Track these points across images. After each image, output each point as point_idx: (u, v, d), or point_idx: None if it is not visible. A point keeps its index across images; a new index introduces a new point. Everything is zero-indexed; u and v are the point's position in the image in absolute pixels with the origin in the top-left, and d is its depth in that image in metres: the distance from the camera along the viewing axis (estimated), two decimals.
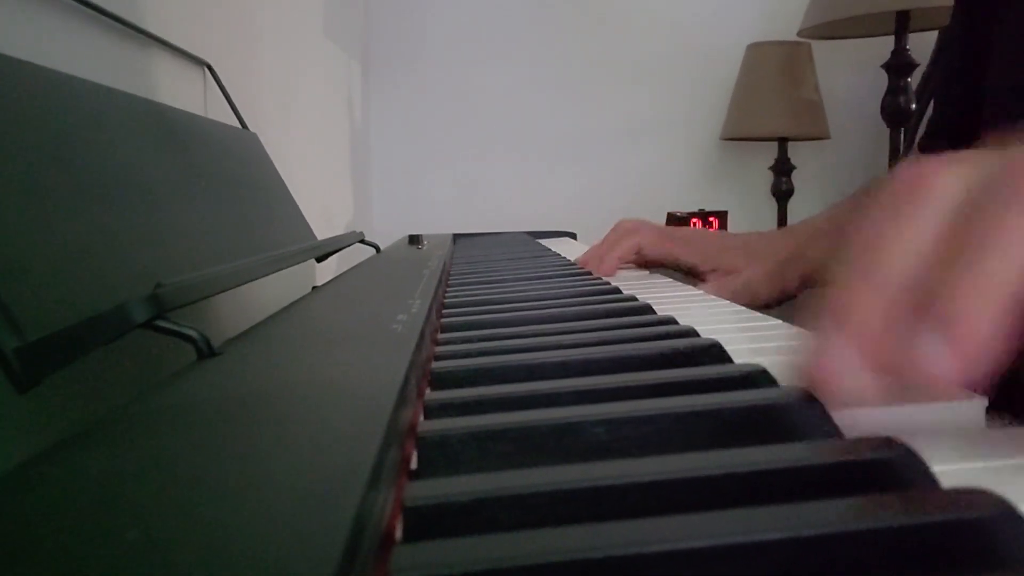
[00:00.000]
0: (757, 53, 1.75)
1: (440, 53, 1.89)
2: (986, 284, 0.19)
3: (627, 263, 0.68)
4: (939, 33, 1.58)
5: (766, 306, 0.61)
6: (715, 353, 0.28)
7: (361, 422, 0.19)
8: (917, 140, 0.72)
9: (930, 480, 0.16)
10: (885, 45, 1.63)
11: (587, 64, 1.91)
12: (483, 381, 0.27)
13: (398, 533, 0.16)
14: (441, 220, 1.82)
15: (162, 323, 0.30)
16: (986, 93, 0.56)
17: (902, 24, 1.58)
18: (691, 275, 0.66)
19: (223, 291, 0.38)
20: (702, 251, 0.65)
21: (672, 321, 0.35)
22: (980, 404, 0.22)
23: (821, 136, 1.77)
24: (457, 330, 0.37)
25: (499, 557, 0.13)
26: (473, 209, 1.90)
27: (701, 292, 0.53)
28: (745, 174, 1.92)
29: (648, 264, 0.70)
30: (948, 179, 0.22)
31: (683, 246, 0.67)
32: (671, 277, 0.64)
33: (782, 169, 1.79)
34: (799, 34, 1.71)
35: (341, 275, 0.57)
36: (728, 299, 0.48)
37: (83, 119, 0.36)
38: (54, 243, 0.28)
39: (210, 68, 0.67)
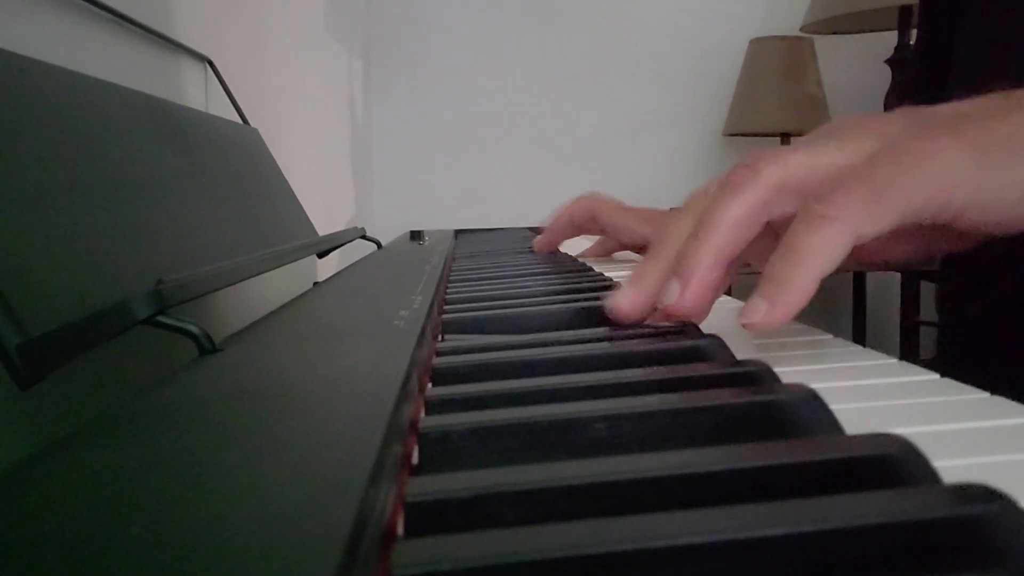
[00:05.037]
0: (759, 48, 1.75)
1: (442, 50, 1.89)
2: (702, 246, 0.31)
3: (585, 232, 0.66)
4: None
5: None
6: (717, 349, 0.28)
7: (363, 418, 0.19)
8: None
9: (931, 475, 0.16)
10: (888, 40, 1.63)
11: (589, 60, 1.90)
12: (484, 377, 0.27)
13: (399, 529, 0.16)
14: (442, 216, 1.82)
15: (164, 319, 0.30)
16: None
17: (905, 19, 1.58)
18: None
19: (225, 287, 0.38)
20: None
21: None
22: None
23: None
24: (458, 326, 0.37)
25: (500, 553, 0.13)
26: (474, 205, 1.90)
27: None
28: None
29: (607, 240, 0.67)
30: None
31: (643, 220, 0.64)
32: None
33: None
34: (802, 29, 1.70)
35: (343, 271, 0.57)
36: None
37: (84, 115, 0.36)
38: (55, 239, 0.28)
39: (211, 64, 0.67)
